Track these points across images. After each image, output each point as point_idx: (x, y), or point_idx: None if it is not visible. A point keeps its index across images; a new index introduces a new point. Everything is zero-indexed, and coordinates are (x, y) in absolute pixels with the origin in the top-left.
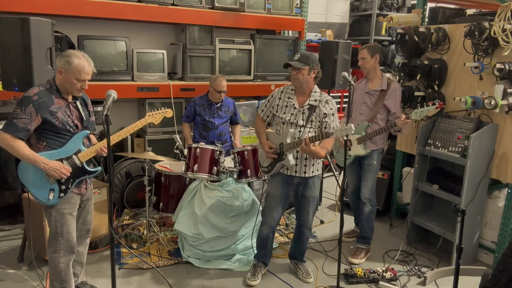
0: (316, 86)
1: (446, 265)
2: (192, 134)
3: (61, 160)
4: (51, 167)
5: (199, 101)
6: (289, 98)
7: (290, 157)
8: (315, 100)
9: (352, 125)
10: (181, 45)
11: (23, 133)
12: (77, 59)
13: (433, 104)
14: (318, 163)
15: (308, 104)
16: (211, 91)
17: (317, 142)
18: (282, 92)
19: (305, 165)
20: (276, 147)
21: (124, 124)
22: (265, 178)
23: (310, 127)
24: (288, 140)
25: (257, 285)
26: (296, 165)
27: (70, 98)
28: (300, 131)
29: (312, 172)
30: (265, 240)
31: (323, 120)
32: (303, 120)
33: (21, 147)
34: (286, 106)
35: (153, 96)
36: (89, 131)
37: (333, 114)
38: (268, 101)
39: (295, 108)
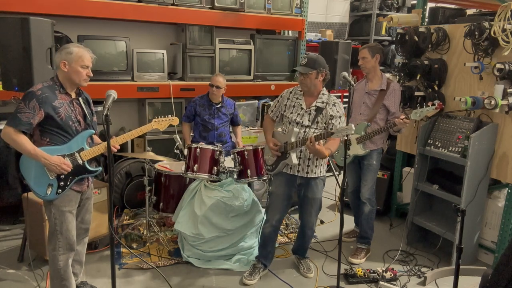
0: (324, 88)
1: (446, 265)
2: (192, 134)
3: (62, 156)
4: (51, 162)
5: (199, 101)
6: (297, 98)
7: (293, 156)
8: (323, 102)
9: (353, 125)
10: (181, 45)
11: (26, 126)
12: (76, 47)
13: (433, 105)
14: (321, 165)
15: (315, 106)
16: (209, 89)
17: (321, 141)
18: (291, 92)
19: (308, 165)
20: (281, 145)
21: (124, 124)
22: (265, 178)
23: (316, 128)
24: (292, 139)
25: (256, 285)
26: (299, 164)
27: (73, 95)
28: (305, 131)
29: (315, 173)
30: (267, 238)
31: (329, 121)
32: (309, 120)
33: (23, 142)
34: (294, 106)
35: (153, 96)
36: (93, 131)
37: (339, 117)
38: (278, 101)
39: (302, 108)
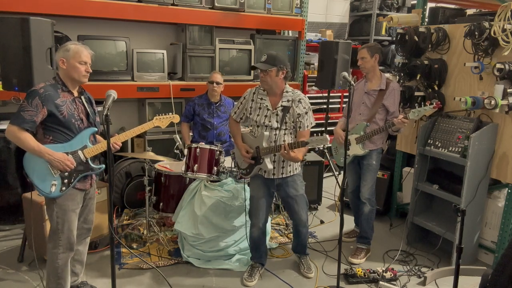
0: (287, 85)
1: (446, 265)
2: (191, 134)
3: (66, 154)
4: (55, 158)
5: (198, 101)
6: (261, 99)
7: (268, 161)
8: (288, 101)
9: (327, 136)
10: (181, 45)
11: (29, 124)
12: (73, 45)
13: (431, 104)
14: (296, 163)
15: (281, 106)
16: (208, 87)
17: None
18: (254, 93)
19: (283, 167)
20: (253, 150)
21: (124, 124)
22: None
23: (285, 129)
24: (265, 144)
25: (255, 285)
26: (274, 168)
27: (76, 93)
28: (275, 134)
29: (290, 172)
30: (256, 241)
31: (297, 120)
32: (277, 122)
33: (27, 139)
34: (260, 108)
35: (153, 96)
36: (96, 129)
37: (306, 113)
38: (241, 103)
39: (268, 109)
